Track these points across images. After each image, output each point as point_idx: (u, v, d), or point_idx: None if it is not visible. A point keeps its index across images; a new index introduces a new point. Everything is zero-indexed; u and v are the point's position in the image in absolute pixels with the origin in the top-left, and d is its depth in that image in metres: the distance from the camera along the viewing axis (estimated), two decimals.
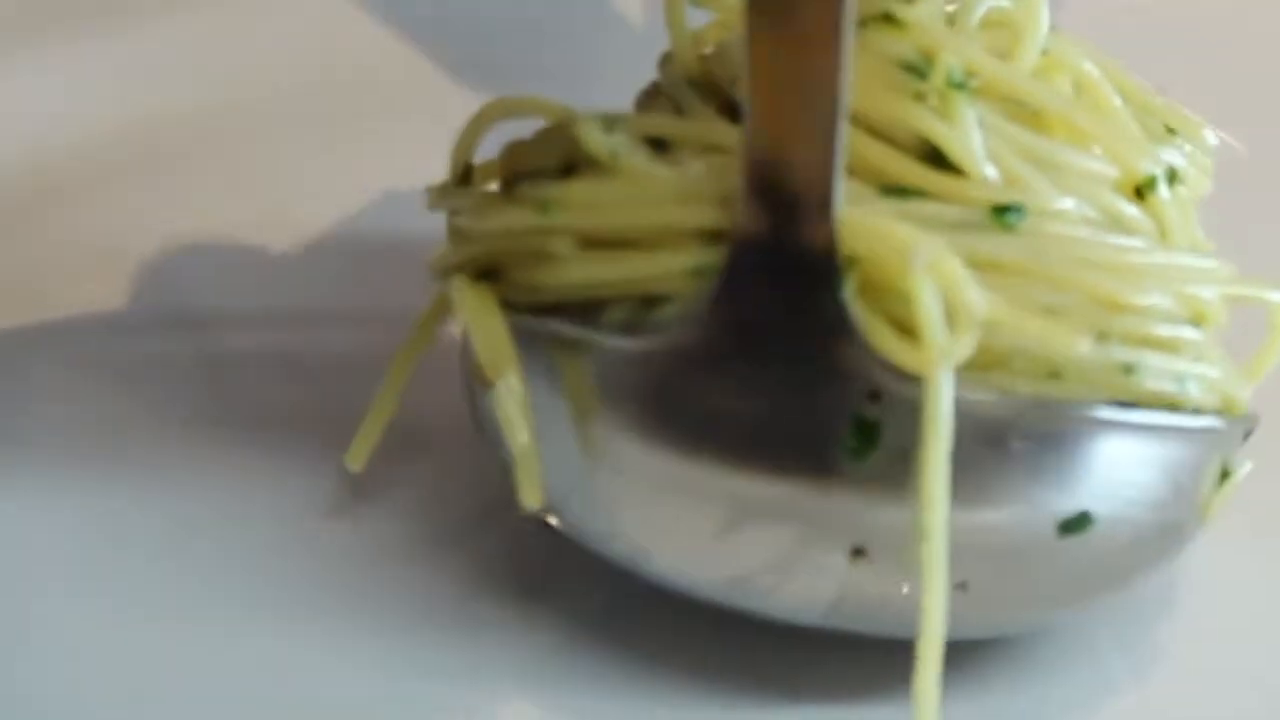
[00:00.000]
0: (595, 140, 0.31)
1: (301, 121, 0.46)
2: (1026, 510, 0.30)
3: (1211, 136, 0.34)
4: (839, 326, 0.29)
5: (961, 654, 0.32)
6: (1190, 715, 0.32)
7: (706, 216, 0.30)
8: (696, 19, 0.34)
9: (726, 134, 0.31)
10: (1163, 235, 0.32)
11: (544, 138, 0.33)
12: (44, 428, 0.37)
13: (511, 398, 0.31)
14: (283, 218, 0.43)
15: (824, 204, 0.28)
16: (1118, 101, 0.33)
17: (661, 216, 0.30)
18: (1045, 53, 0.32)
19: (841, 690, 0.32)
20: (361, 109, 0.47)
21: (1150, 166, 0.32)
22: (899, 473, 0.28)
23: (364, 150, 0.45)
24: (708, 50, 0.33)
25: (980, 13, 0.32)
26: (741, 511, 0.30)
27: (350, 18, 0.50)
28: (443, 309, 0.34)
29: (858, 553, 0.30)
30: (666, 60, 0.34)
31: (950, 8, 0.32)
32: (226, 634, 0.33)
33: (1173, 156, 0.33)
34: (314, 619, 0.33)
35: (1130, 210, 0.31)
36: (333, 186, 0.44)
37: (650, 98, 0.34)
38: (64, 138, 0.45)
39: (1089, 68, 0.33)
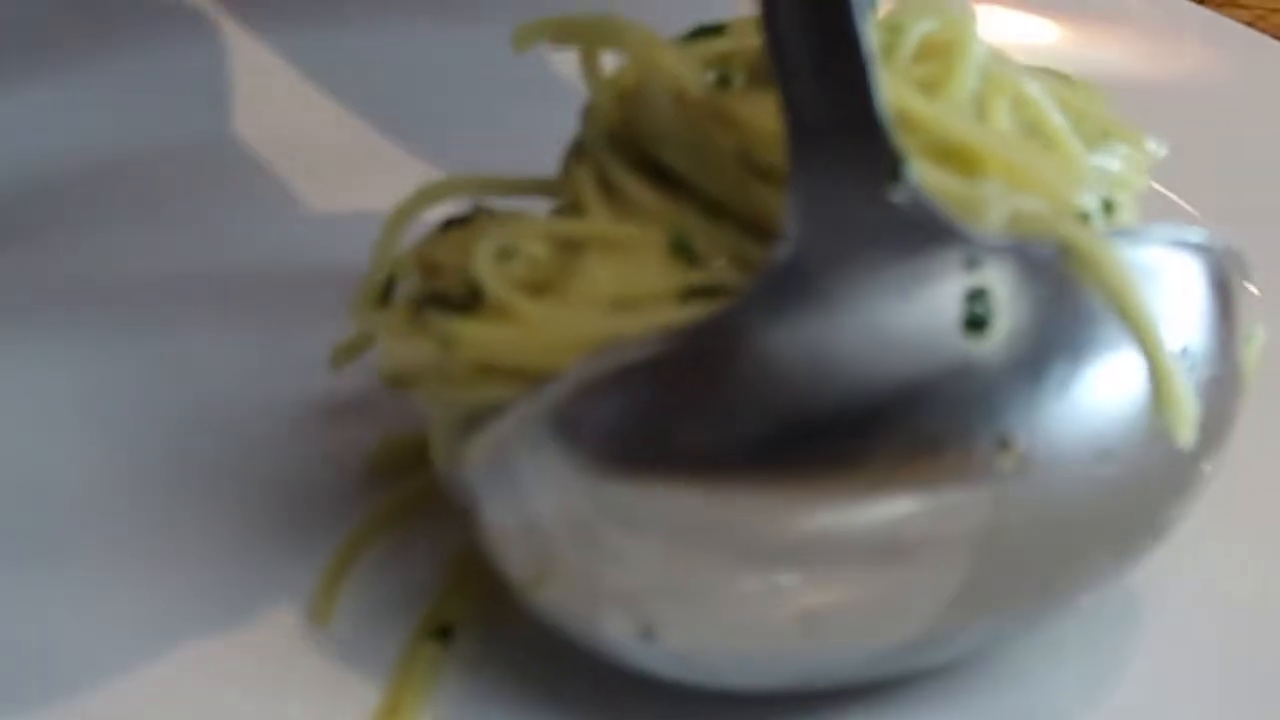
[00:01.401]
0: (488, 278, 0.30)
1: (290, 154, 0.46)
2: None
3: (1152, 143, 0.33)
4: (917, 211, 0.29)
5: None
6: None
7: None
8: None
9: (634, 230, 0.30)
10: None
11: (456, 243, 0.32)
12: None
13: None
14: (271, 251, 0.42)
15: (868, 106, 0.29)
16: (1058, 119, 0.32)
17: (551, 361, 0.29)
18: (982, 73, 0.31)
19: None
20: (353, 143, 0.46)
21: (1086, 200, 0.31)
22: (1024, 335, 0.29)
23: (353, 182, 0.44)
24: (629, 98, 0.32)
25: (914, 43, 0.32)
26: (881, 456, 0.29)
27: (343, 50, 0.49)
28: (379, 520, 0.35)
29: (1004, 445, 0.29)
30: (588, 115, 0.32)
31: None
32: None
33: (1108, 161, 0.32)
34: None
35: None
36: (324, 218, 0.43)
37: (575, 159, 0.33)
38: (43, 167, 0.44)
39: (1027, 87, 0.32)
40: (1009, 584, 0.31)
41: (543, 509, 0.29)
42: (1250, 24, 0.51)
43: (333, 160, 0.45)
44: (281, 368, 0.38)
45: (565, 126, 0.33)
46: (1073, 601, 0.32)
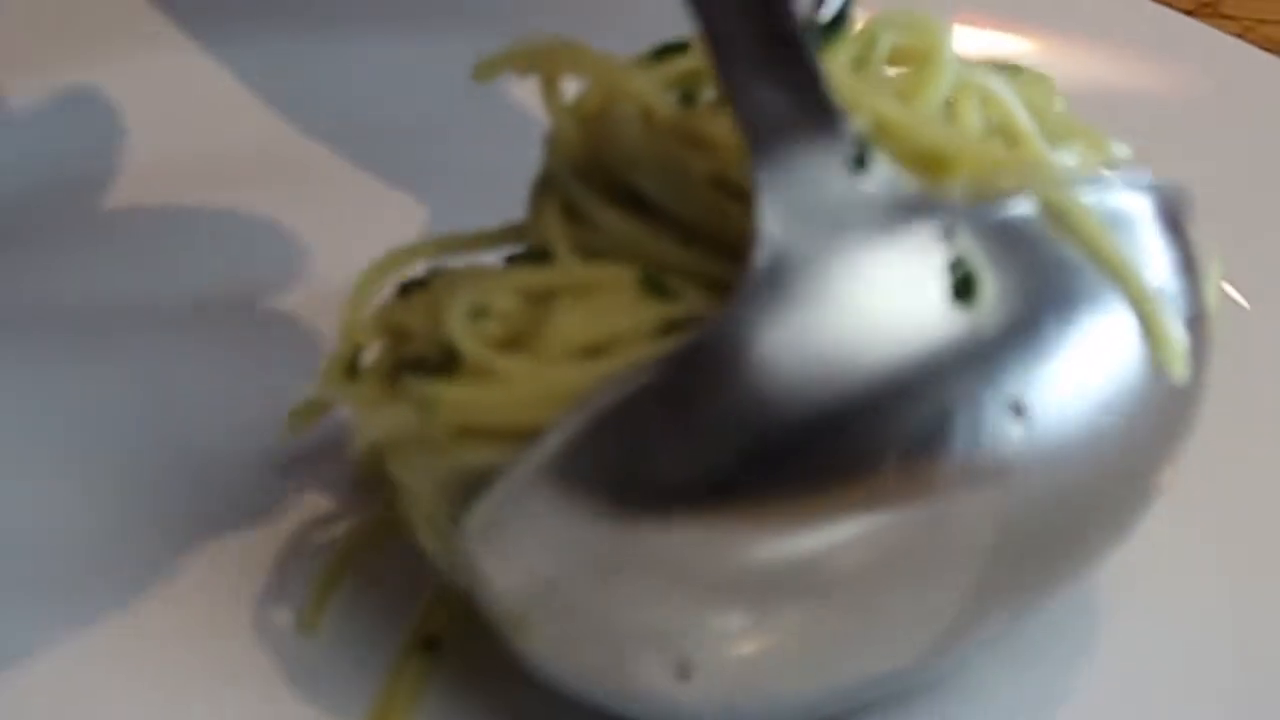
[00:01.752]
0: (463, 339, 0.30)
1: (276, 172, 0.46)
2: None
3: (1115, 146, 0.33)
4: (888, 193, 0.29)
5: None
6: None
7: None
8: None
9: (603, 271, 0.30)
10: None
11: (421, 306, 0.32)
12: None
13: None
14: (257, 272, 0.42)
15: (818, 95, 0.29)
16: (1025, 117, 0.32)
17: (534, 417, 0.29)
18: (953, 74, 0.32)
19: None
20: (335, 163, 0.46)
21: (1062, 195, 0.31)
22: (1011, 296, 0.29)
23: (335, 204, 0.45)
24: (594, 123, 0.32)
25: (885, 51, 0.32)
26: (895, 445, 0.28)
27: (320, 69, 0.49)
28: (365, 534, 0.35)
29: (1014, 410, 0.29)
30: (552, 143, 0.32)
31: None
32: None
33: (1068, 158, 0.32)
34: None
35: None
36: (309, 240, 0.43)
37: (542, 194, 0.32)
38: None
39: (995, 87, 0.32)
40: (1022, 570, 0.31)
41: (556, 566, 0.29)
42: (1239, 35, 0.51)
43: (308, 175, 0.46)
44: (264, 380, 0.38)
45: (534, 144, 0.33)
46: (1071, 584, 0.32)
